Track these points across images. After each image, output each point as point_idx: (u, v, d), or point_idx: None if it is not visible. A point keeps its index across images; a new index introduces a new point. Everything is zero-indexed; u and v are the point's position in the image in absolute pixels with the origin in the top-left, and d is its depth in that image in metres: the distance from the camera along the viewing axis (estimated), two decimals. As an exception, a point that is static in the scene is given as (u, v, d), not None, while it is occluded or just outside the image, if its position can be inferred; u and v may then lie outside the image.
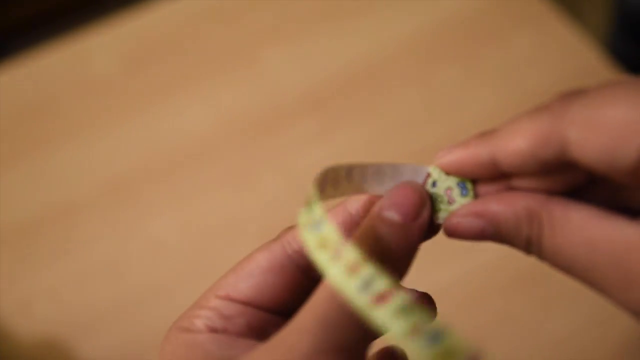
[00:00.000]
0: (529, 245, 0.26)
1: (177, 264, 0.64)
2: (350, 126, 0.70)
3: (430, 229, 0.28)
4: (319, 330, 0.23)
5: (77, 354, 0.60)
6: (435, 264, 0.60)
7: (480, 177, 0.28)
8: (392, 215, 0.26)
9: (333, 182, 0.27)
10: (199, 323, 0.27)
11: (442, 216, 0.28)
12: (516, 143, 0.25)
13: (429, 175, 0.29)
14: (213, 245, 0.64)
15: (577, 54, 0.72)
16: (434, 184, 0.29)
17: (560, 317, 0.59)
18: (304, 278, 0.28)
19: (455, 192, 0.28)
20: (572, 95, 0.25)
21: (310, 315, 0.24)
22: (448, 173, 0.29)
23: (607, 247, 0.24)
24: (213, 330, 0.27)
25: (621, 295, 0.24)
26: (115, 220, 0.66)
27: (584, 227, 0.24)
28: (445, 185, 0.28)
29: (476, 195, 0.28)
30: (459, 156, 0.28)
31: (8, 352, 0.60)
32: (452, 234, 0.27)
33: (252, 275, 0.27)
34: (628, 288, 0.23)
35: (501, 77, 0.72)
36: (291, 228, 0.29)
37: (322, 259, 0.22)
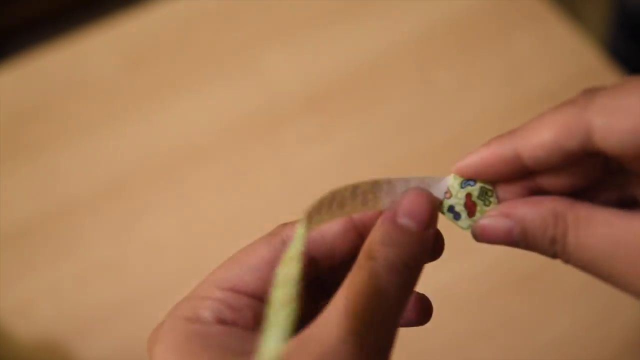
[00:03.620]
0: (554, 244, 0.27)
1: (177, 264, 0.64)
2: (351, 126, 0.70)
3: (436, 245, 0.29)
4: (347, 324, 0.24)
5: (77, 354, 0.60)
6: (436, 264, 0.60)
7: (502, 178, 0.28)
8: (408, 222, 0.27)
9: (339, 204, 0.27)
10: (207, 314, 0.26)
11: (463, 225, 0.29)
12: (541, 135, 0.26)
13: (448, 190, 0.30)
14: (213, 245, 0.64)
15: (577, 54, 0.72)
16: (451, 194, 0.29)
17: (560, 317, 0.59)
18: (304, 273, 0.28)
19: (477, 202, 0.29)
20: (593, 90, 0.26)
21: (336, 311, 0.24)
22: (470, 177, 0.29)
23: (630, 239, 0.25)
24: (222, 321, 0.26)
25: None
26: (115, 221, 0.66)
27: (607, 223, 0.25)
28: (463, 195, 0.29)
29: (499, 201, 0.28)
30: (481, 156, 0.28)
31: (8, 353, 0.60)
32: (482, 235, 0.28)
33: (257, 269, 0.27)
34: None
35: (501, 77, 0.72)
36: (287, 224, 0.29)
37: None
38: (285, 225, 0.29)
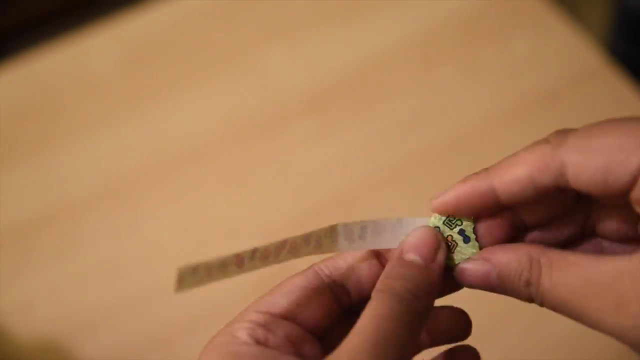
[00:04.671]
0: (528, 287, 0.28)
1: (177, 264, 0.63)
2: (351, 126, 0.70)
3: (448, 281, 0.30)
4: (370, 350, 0.25)
5: (77, 354, 0.60)
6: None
7: (479, 213, 0.30)
8: (413, 257, 0.29)
9: (292, 248, 0.30)
10: (242, 333, 0.28)
11: (447, 263, 0.30)
12: (516, 171, 0.28)
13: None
14: (213, 245, 0.64)
15: (577, 54, 0.72)
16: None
17: (560, 317, 0.59)
18: (335, 302, 0.30)
19: (458, 240, 0.30)
20: (566, 130, 0.28)
21: (361, 337, 0.26)
22: (447, 215, 0.30)
23: (600, 277, 0.26)
24: (256, 340, 0.28)
25: (612, 319, 0.26)
26: (115, 220, 0.66)
27: (578, 264, 0.27)
28: (446, 235, 0.30)
29: (477, 237, 0.30)
30: (457, 192, 0.29)
31: (8, 352, 0.60)
32: (461, 278, 0.30)
33: (290, 292, 0.29)
34: (619, 310, 0.26)
35: (501, 77, 0.72)
36: (323, 260, 0.31)
37: None
38: (321, 261, 0.31)
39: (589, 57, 0.72)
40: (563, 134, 0.28)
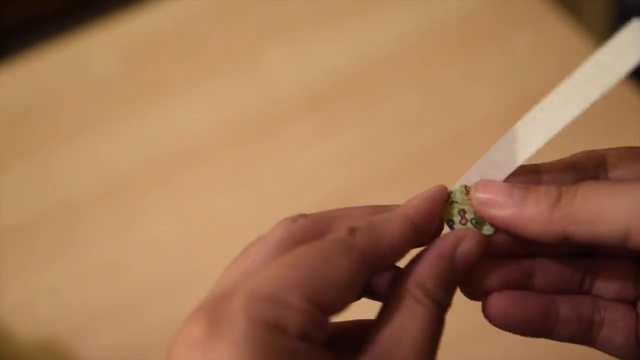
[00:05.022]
0: (558, 205, 0.27)
1: (177, 264, 0.64)
2: (351, 126, 0.70)
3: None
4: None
5: (77, 354, 0.60)
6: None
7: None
8: (462, 267, 0.28)
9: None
10: (293, 327, 0.23)
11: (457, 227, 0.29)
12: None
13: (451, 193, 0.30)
14: (213, 245, 0.64)
15: (577, 54, 0.72)
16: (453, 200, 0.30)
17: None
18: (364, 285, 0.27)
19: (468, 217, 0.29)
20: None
21: (416, 348, 0.25)
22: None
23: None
24: (305, 336, 0.23)
25: None
26: (115, 220, 0.66)
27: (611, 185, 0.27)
28: (460, 207, 0.29)
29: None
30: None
31: (8, 353, 0.60)
32: (484, 188, 0.29)
33: (341, 285, 0.25)
34: None
35: (501, 77, 0.72)
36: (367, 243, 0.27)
37: None
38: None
39: (589, 57, 0.72)
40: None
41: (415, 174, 0.67)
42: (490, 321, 0.29)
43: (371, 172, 0.67)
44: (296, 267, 0.24)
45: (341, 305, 0.25)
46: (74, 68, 0.75)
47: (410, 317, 0.26)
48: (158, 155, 0.69)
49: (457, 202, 0.29)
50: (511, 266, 0.29)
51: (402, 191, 0.67)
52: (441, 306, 0.27)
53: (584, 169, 0.29)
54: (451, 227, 0.29)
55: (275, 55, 0.75)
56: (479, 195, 0.28)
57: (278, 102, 0.72)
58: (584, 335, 0.30)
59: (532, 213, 0.27)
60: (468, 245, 0.27)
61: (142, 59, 0.75)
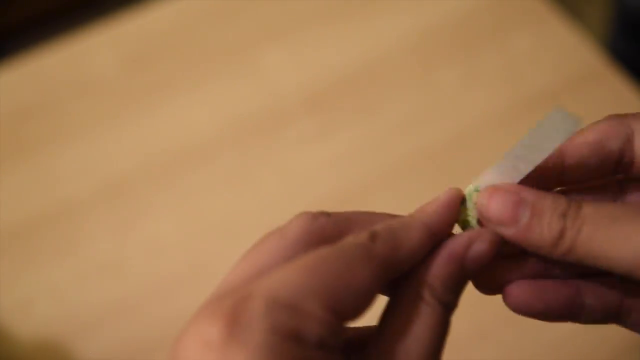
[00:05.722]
0: (564, 218, 0.27)
1: (177, 263, 0.64)
2: (351, 126, 0.70)
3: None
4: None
5: (77, 354, 0.60)
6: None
7: (544, 174, 0.29)
8: (473, 268, 0.28)
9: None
10: (313, 338, 0.23)
11: (468, 226, 0.29)
12: (587, 135, 0.29)
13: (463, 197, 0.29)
14: (213, 245, 0.64)
15: (577, 54, 0.72)
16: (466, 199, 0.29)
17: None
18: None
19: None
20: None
21: (424, 352, 0.25)
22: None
23: None
24: (323, 345, 0.23)
25: None
26: (115, 220, 0.66)
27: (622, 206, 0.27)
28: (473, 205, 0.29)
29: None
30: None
31: (8, 352, 0.60)
32: (486, 209, 0.28)
33: (360, 294, 0.25)
34: None
35: (500, 77, 0.72)
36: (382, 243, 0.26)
37: None
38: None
39: (589, 57, 0.72)
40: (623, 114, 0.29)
41: (415, 173, 0.67)
42: (512, 309, 0.29)
43: (371, 172, 0.67)
44: (317, 273, 0.24)
45: (359, 312, 0.25)
46: (74, 68, 0.75)
47: (417, 318, 0.26)
48: (158, 154, 0.69)
49: (470, 206, 0.29)
50: (529, 260, 0.28)
51: (401, 191, 0.67)
52: (448, 307, 0.27)
53: (610, 151, 0.28)
54: (464, 229, 0.29)
55: (275, 55, 0.75)
56: (486, 209, 0.28)
57: (278, 102, 0.72)
58: (613, 319, 0.29)
59: (536, 240, 0.27)
60: (480, 248, 0.27)
61: (142, 59, 0.75)
